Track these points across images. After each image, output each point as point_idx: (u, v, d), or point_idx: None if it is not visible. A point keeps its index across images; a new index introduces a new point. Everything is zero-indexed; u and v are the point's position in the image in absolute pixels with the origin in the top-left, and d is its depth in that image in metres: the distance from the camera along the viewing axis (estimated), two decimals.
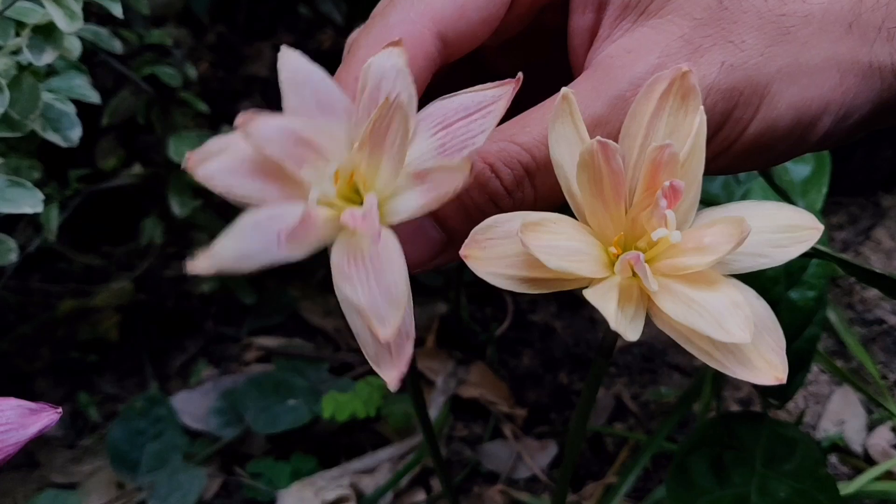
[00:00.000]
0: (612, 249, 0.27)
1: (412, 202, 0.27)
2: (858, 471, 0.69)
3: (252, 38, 1.06)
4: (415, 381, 0.38)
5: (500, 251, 0.27)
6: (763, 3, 0.29)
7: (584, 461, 0.72)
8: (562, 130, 0.27)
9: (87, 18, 0.45)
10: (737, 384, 0.78)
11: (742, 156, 0.30)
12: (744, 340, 0.24)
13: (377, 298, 0.26)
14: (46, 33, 0.41)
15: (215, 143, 0.28)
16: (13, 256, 0.53)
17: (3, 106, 0.39)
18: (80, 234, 0.84)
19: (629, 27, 0.31)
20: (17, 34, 0.42)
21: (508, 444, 0.74)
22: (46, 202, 0.56)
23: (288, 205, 0.27)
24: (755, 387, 0.54)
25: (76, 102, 0.49)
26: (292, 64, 0.28)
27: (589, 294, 0.26)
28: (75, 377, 0.80)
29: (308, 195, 0.27)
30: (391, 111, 0.26)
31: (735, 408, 0.75)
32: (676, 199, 0.26)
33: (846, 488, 0.63)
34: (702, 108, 0.26)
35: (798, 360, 0.53)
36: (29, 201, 0.41)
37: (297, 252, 0.26)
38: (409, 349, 0.26)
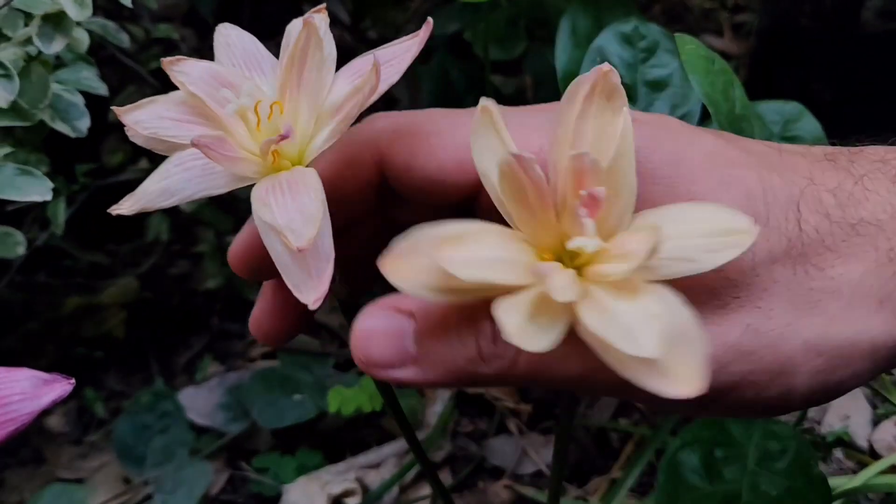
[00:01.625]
0: (545, 257, 0.27)
1: (326, 132, 0.28)
2: (863, 465, 0.69)
3: (257, 37, 1.06)
4: (390, 393, 0.38)
5: (422, 263, 0.26)
6: (792, 275, 0.29)
7: (588, 456, 0.73)
8: (485, 142, 0.27)
9: (94, 12, 0.45)
10: None
11: (756, 412, 0.31)
12: (653, 355, 0.23)
13: (292, 215, 0.26)
14: (56, 22, 0.41)
15: (148, 98, 0.29)
16: (21, 249, 0.53)
17: (12, 94, 0.40)
18: (86, 231, 0.84)
19: None
20: (26, 25, 0.43)
21: (513, 440, 0.74)
22: (54, 196, 0.56)
23: None
24: None
25: (84, 96, 0.49)
26: (227, 32, 0.30)
27: (498, 304, 0.25)
28: (81, 373, 0.81)
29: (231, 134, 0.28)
30: (309, 34, 0.27)
31: None
32: (596, 207, 0.25)
33: (851, 482, 0.63)
34: (626, 108, 0.25)
35: None
36: (38, 189, 0.41)
37: (218, 184, 0.27)
38: (328, 270, 0.27)
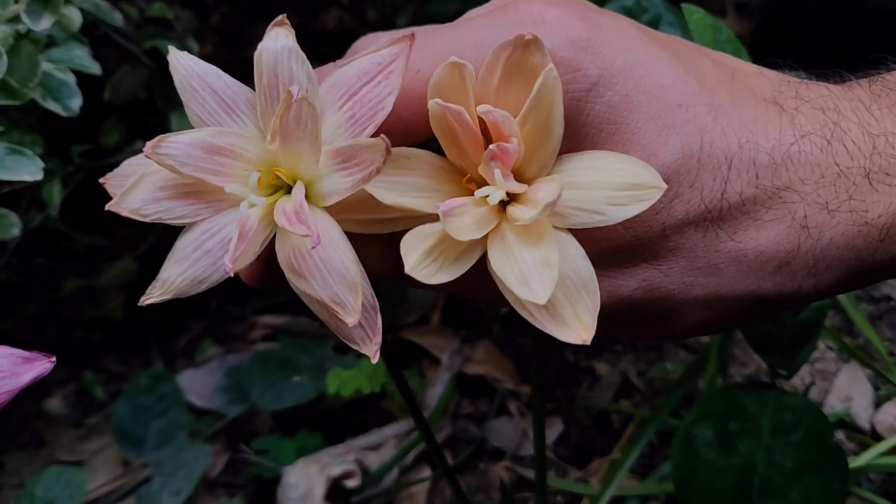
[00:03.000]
0: (471, 188, 0.28)
1: (341, 184, 0.26)
2: (865, 447, 0.69)
3: (256, 19, 1.05)
4: (396, 368, 0.39)
5: (354, 198, 0.27)
6: (701, 239, 0.30)
7: (589, 438, 0.72)
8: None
9: None
10: (743, 360, 0.77)
11: (644, 341, 0.33)
12: (541, 301, 0.25)
13: (333, 287, 0.26)
14: None
15: (130, 165, 0.29)
16: (15, 231, 0.53)
17: (0, 72, 0.39)
18: (84, 213, 0.84)
19: None
20: (15, 2, 0.42)
21: (514, 422, 0.74)
22: (48, 178, 0.56)
23: (220, 216, 0.28)
24: (762, 359, 0.54)
25: (78, 77, 0.49)
26: (183, 68, 0.27)
27: (407, 236, 0.26)
28: (81, 356, 0.80)
29: (236, 199, 0.27)
30: (297, 106, 0.25)
31: None
32: (507, 157, 0.26)
33: (853, 463, 0.63)
34: (550, 66, 0.26)
35: (806, 331, 0.52)
36: (29, 169, 0.40)
37: (245, 262, 0.27)
38: (378, 320, 0.27)
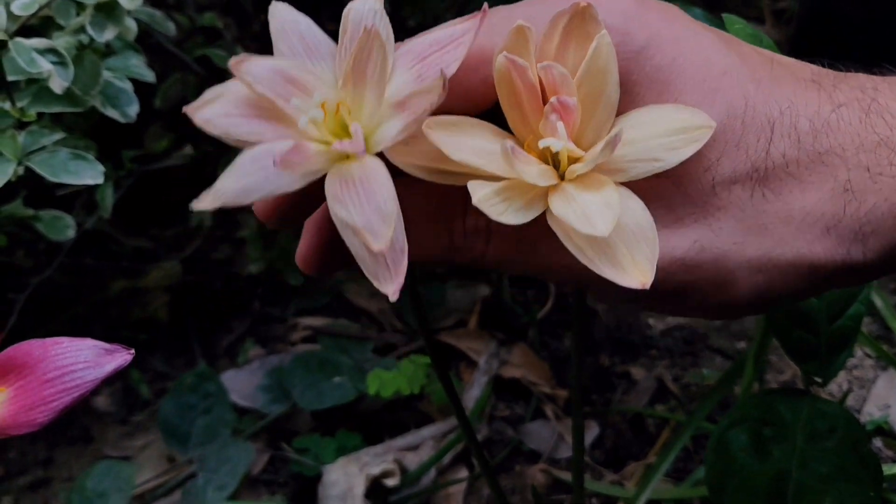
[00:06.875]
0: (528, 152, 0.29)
1: (394, 128, 0.28)
2: None
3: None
4: (443, 370, 0.40)
5: (424, 147, 0.28)
6: (748, 198, 0.31)
7: (625, 442, 0.73)
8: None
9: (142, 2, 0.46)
10: (779, 367, 0.78)
11: (704, 314, 0.34)
12: (602, 234, 0.26)
13: (369, 216, 0.27)
14: (108, 11, 0.43)
15: (211, 92, 0.30)
16: (71, 233, 0.55)
17: (68, 81, 0.41)
18: (132, 216, 0.86)
19: None
20: (78, 14, 0.44)
21: (550, 425, 0.74)
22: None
23: (281, 140, 0.29)
24: (798, 367, 0.54)
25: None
26: (281, 15, 0.30)
27: (472, 181, 0.27)
28: None
29: (300, 132, 0.29)
30: (370, 40, 0.27)
31: None
32: (567, 113, 0.28)
33: (891, 470, 0.63)
34: (603, 31, 0.27)
35: (841, 338, 0.53)
36: (91, 173, 0.42)
37: (292, 181, 0.28)
38: (404, 262, 0.28)
